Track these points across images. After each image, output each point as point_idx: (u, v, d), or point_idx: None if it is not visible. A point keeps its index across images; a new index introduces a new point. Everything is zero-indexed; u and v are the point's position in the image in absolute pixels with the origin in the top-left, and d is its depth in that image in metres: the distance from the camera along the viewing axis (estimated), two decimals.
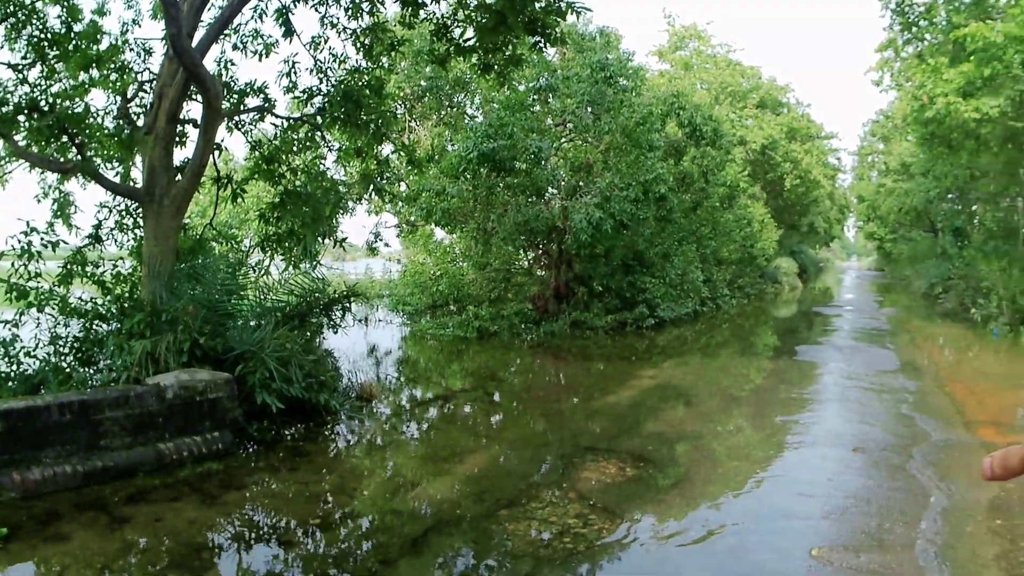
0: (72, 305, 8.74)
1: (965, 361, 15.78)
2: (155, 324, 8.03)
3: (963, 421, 9.65)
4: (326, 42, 11.52)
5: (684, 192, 23.40)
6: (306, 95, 11.41)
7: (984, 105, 15.26)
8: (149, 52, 10.73)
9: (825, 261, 79.51)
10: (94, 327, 8.64)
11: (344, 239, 12.87)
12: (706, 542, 5.67)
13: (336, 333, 11.21)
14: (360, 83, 11.10)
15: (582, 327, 18.05)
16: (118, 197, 10.61)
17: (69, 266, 10.07)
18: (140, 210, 9.92)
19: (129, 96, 10.28)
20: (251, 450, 7.73)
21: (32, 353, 8.42)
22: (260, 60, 11.67)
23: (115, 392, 6.76)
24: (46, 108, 8.70)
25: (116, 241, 10.85)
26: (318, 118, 11.28)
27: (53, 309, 8.74)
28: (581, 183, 18.51)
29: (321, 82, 11.42)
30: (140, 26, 10.92)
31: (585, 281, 19.35)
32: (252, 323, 8.77)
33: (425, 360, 15.37)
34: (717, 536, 5.78)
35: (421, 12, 9.93)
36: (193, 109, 10.39)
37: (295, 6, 10.84)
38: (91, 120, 9.04)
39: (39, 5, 9.36)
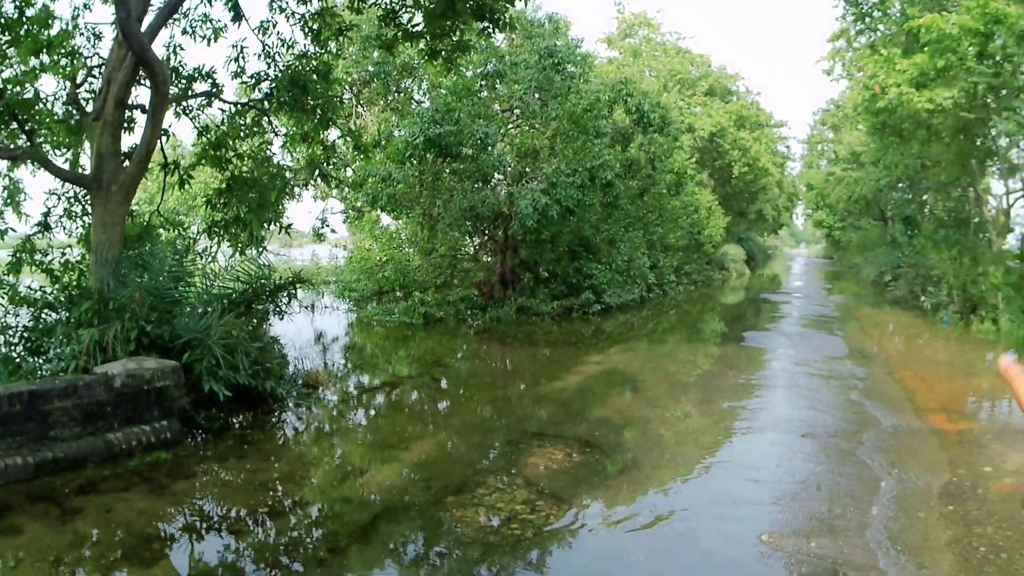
0: (22, 294, 8.65)
1: (915, 349, 15.93)
2: (103, 312, 8.01)
3: (913, 408, 9.71)
4: (274, 27, 11.55)
5: (631, 179, 23.72)
6: (254, 80, 11.40)
7: (938, 96, 15.31)
8: (99, 37, 10.59)
9: (773, 248, 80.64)
10: (43, 316, 8.57)
11: (290, 225, 12.89)
12: (655, 528, 5.72)
13: (282, 320, 11.30)
14: (308, 68, 11.15)
15: (528, 313, 18.26)
16: (67, 184, 10.50)
17: (18, 254, 9.96)
18: (88, 197, 9.83)
19: (78, 81, 10.14)
20: (199, 439, 7.79)
21: None
22: (209, 45, 11.64)
23: (64, 382, 6.78)
24: None
25: (65, 229, 10.74)
26: (265, 103, 11.29)
27: (2, 298, 8.66)
28: (528, 169, 18.70)
29: (269, 67, 11.45)
30: (91, 10, 10.80)
31: (531, 267, 19.58)
32: (199, 310, 8.76)
33: (371, 346, 15.46)
34: (666, 522, 5.83)
35: None
36: (141, 94, 10.37)
37: None
38: (40, 106, 8.92)
39: None
